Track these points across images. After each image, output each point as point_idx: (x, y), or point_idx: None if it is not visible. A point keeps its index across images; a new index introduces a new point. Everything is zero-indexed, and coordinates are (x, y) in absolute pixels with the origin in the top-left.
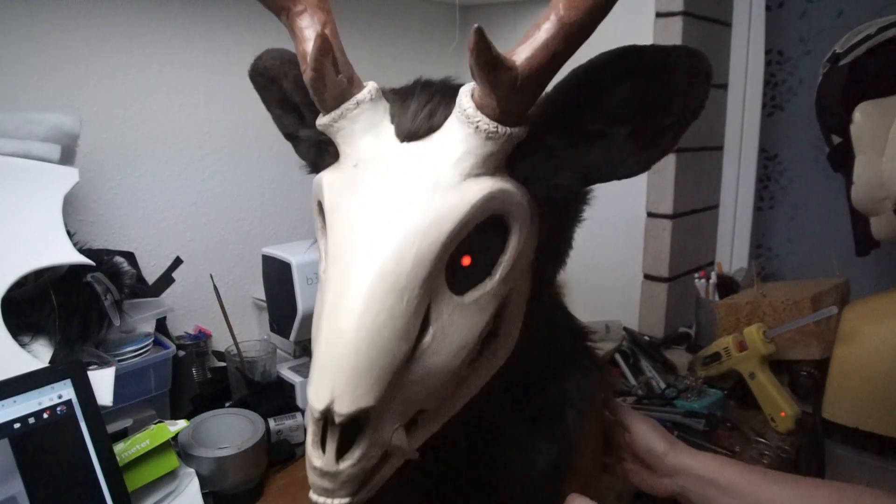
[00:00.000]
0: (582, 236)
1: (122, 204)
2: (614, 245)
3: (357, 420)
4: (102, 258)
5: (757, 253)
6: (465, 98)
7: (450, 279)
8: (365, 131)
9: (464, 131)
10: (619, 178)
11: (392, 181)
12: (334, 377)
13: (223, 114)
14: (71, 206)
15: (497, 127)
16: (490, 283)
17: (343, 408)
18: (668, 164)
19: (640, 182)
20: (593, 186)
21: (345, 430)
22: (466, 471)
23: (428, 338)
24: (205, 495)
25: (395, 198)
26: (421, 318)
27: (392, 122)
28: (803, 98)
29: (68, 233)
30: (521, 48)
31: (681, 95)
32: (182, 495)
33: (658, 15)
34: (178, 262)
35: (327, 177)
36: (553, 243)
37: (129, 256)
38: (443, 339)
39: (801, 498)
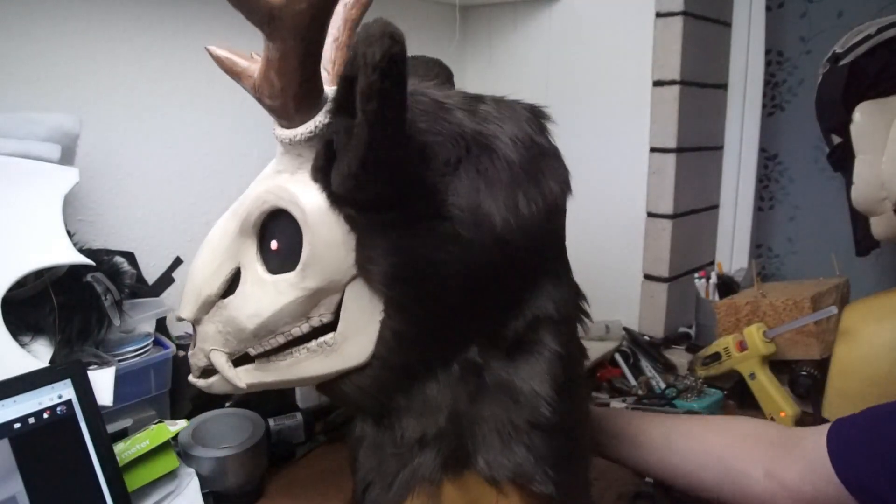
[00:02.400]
0: (582, 236)
1: (122, 204)
2: (614, 245)
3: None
4: (102, 258)
5: (757, 253)
6: None
7: (268, 258)
8: None
9: None
10: (334, 192)
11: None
12: None
13: (223, 114)
14: (71, 206)
15: (274, 129)
16: (292, 274)
17: (178, 311)
18: (668, 163)
19: (640, 182)
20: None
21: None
22: None
23: (232, 295)
24: (205, 495)
25: None
26: (223, 276)
27: None
28: (803, 98)
29: (68, 233)
30: None
31: (359, 88)
32: (182, 495)
33: (658, 15)
34: (178, 262)
35: None
36: (391, 265)
37: (129, 256)
38: (242, 301)
39: (668, 428)
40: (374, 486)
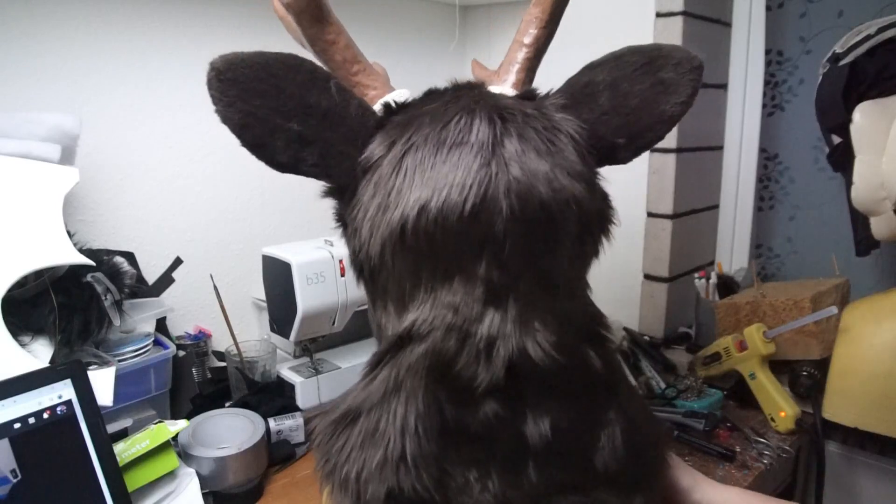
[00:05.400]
0: None
1: (122, 204)
2: (614, 245)
3: None
4: (102, 258)
5: (757, 253)
6: None
7: None
8: None
9: None
10: None
11: None
12: None
13: None
14: (71, 206)
15: None
16: None
17: None
18: (668, 164)
19: (640, 182)
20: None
21: None
22: None
23: None
24: (205, 495)
25: None
26: None
27: None
28: (803, 98)
29: (68, 233)
30: None
31: None
32: (182, 495)
33: (658, 15)
34: (178, 262)
35: None
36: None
37: (129, 256)
38: None
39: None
40: None
